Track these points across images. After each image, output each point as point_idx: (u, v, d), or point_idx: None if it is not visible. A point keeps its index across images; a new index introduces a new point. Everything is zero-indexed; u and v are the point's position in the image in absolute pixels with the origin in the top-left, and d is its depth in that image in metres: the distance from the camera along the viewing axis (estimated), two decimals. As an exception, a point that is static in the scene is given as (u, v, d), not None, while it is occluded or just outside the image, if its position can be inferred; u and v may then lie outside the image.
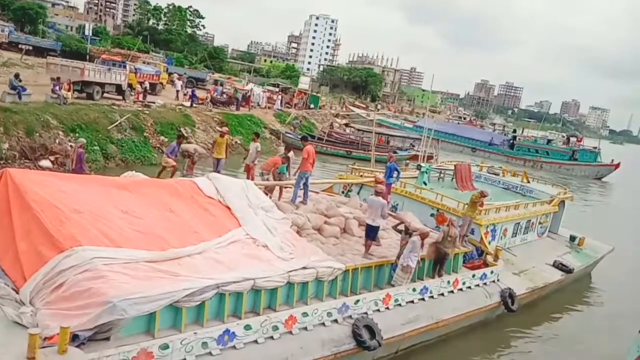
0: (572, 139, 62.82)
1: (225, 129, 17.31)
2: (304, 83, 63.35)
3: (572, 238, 17.81)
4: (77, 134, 20.61)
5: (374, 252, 10.98)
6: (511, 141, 61.58)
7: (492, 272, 12.57)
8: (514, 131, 74.17)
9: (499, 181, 19.95)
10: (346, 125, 52.36)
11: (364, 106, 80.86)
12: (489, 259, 13.13)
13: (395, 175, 14.51)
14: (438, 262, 11.43)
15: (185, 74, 49.14)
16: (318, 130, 43.10)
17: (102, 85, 27.44)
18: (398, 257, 10.36)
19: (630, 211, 35.11)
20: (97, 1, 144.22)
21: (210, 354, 7.11)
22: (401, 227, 11.02)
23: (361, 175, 16.52)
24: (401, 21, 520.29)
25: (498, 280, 12.71)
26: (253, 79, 64.72)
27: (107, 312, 6.23)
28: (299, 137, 35.00)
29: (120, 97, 28.80)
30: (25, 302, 6.67)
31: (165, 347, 6.65)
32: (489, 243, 13.77)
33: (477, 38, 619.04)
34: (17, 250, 7.13)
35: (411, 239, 10.34)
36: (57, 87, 23.17)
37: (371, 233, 10.87)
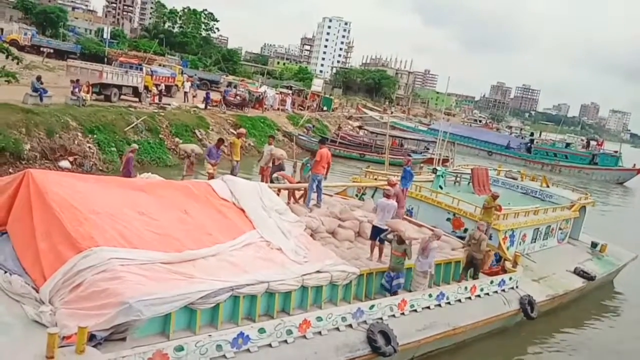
0: (592, 143, 61.89)
1: (241, 130, 17.22)
2: (317, 85, 63.26)
3: (594, 245, 17.41)
4: (95, 135, 20.89)
5: (388, 255, 10.84)
6: (528, 144, 60.53)
7: (510, 279, 12.35)
8: (532, 134, 73.29)
9: (518, 186, 19.61)
10: (359, 127, 52.18)
11: (379, 109, 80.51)
12: (508, 265, 12.91)
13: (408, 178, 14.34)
14: (470, 267, 11.75)
15: (195, 75, 49.33)
16: (331, 132, 43.02)
17: (119, 87, 27.84)
18: (391, 269, 9.86)
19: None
20: (115, 5, 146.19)
21: (224, 356, 7.08)
22: (391, 236, 10.11)
23: (375, 179, 16.42)
24: (415, 23, 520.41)
25: (517, 287, 12.47)
26: (266, 82, 64.92)
27: (124, 313, 6.28)
28: (312, 139, 35.19)
29: (137, 99, 29.09)
30: (45, 301, 6.76)
31: (180, 349, 6.63)
32: (508, 249, 13.53)
33: (492, 39, 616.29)
34: (37, 250, 7.21)
35: (431, 244, 10.20)
36: (76, 89, 23.53)
37: (376, 235, 10.69)
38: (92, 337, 6.13)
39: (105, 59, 47.39)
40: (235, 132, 29.57)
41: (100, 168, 19.99)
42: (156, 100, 30.75)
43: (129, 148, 14.36)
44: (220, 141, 15.48)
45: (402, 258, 9.71)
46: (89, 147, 20.21)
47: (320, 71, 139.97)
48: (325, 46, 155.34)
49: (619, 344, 13.01)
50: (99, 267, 6.78)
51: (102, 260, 6.83)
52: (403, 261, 9.76)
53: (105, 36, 58.97)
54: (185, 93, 36.99)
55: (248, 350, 7.36)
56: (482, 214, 12.95)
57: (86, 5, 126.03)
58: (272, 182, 14.03)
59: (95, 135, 20.89)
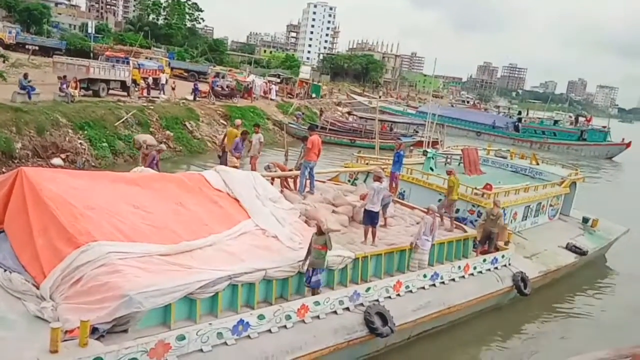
0: (581, 119, 62.31)
1: (238, 120, 16.88)
2: (305, 72, 63.18)
3: (585, 220, 17.66)
4: (86, 131, 20.80)
5: (383, 239, 11.02)
6: (516, 123, 60.98)
7: (503, 256, 12.57)
8: (519, 113, 73.55)
9: (507, 164, 19.83)
10: (348, 113, 52.11)
11: (371, 95, 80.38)
12: (500, 243, 13.12)
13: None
14: (487, 240, 12.46)
15: (169, 64, 47.65)
16: (320, 119, 43.03)
17: (107, 82, 27.65)
18: (310, 264, 8.70)
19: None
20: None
21: (225, 343, 7.21)
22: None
23: (367, 163, 16.54)
24: (399, 4, 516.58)
25: (509, 264, 12.70)
26: (254, 71, 64.56)
27: (124, 305, 6.39)
28: (302, 127, 35.18)
29: (125, 94, 28.92)
30: (45, 297, 6.84)
31: (181, 338, 6.75)
32: (499, 227, 13.73)
33: (481, 20, 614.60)
34: (35, 247, 7.28)
35: (425, 217, 10.44)
36: (64, 86, 23.36)
37: (371, 219, 10.74)
38: (94, 330, 6.24)
39: (91, 54, 46.86)
40: (227, 124, 29.62)
41: (93, 164, 19.95)
42: (145, 94, 30.56)
43: (155, 147, 14.08)
44: (245, 133, 14.85)
45: (322, 252, 8.57)
46: (80, 143, 20.13)
47: (308, 58, 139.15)
48: (312, 32, 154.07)
49: (611, 316, 13.30)
50: (97, 262, 6.87)
51: (100, 255, 6.92)
52: (324, 255, 8.62)
53: (90, 31, 58.16)
54: (162, 85, 34.80)
55: (248, 336, 7.50)
56: (447, 193, 13.22)
57: (69, 1, 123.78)
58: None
59: (86, 131, 20.80)
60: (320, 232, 8.67)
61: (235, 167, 13.79)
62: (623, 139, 53.22)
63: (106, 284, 6.61)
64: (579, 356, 3.97)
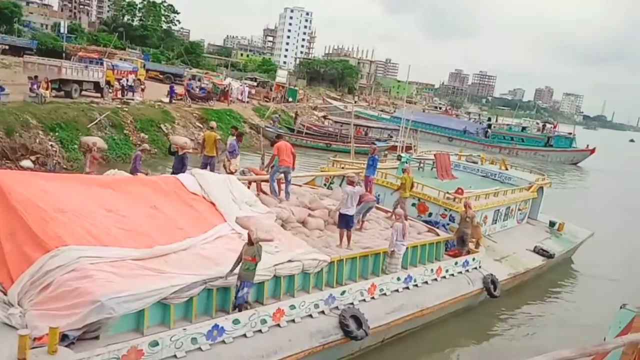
0: (548, 126, 64.00)
1: (212, 123, 16.63)
2: (282, 77, 63.19)
3: (552, 224, 18.13)
4: (57, 133, 20.38)
5: (358, 242, 11.12)
6: (485, 129, 62.34)
7: (474, 259, 12.82)
8: (489, 119, 75.14)
9: (478, 169, 20.30)
10: (324, 117, 52.34)
11: (339, 98, 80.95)
12: (470, 246, 13.38)
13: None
14: (460, 240, 12.86)
15: (144, 66, 46.19)
16: (296, 123, 43.09)
17: (80, 83, 27.17)
18: (239, 277, 7.89)
19: (606, 195, 35.79)
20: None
21: (200, 349, 7.15)
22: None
23: (343, 167, 16.66)
24: (375, 13, 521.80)
25: (480, 267, 12.96)
26: (230, 74, 64.23)
27: (96, 311, 6.26)
28: (279, 131, 35.15)
29: (99, 95, 28.43)
30: (13, 304, 6.67)
31: (155, 344, 6.66)
32: (470, 230, 14.00)
33: (451, 27, 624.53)
34: (3, 252, 7.10)
35: (395, 224, 10.62)
36: (35, 86, 22.86)
37: (346, 222, 10.77)
38: (64, 337, 6.10)
39: (64, 54, 45.90)
40: (203, 126, 29.37)
41: (64, 166, 19.53)
42: (119, 95, 30.09)
43: (139, 147, 13.90)
44: (240, 135, 14.44)
45: (252, 263, 7.82)
46: (51, 145, 19.71)
47: (284, 62, 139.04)
48: (288, 37, 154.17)
49: (578, 316, 13.70)
50: (68, 267, 6.72)
51: (71, 260, 6.77)
52: (254, 267, 7.86)
53: (62, 31, 56.88)
54: (131, 87, 32.77)
55: (223, 341, 7.45)
56: (400, 191, 13.79)
57: (41, 0, 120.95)
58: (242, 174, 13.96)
59: (57, 133, 20.38)
60: (250, 242, 7.87)
61: (233, 171, 13.68)
62: (587, 146, 54.79)
63: (77, 289, 6.47)
64: (543, 355, 4.10)
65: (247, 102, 43.73)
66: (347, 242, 10.86)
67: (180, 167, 13.05)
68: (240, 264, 7.87)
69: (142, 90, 33.78)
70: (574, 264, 18.14)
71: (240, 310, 7.89)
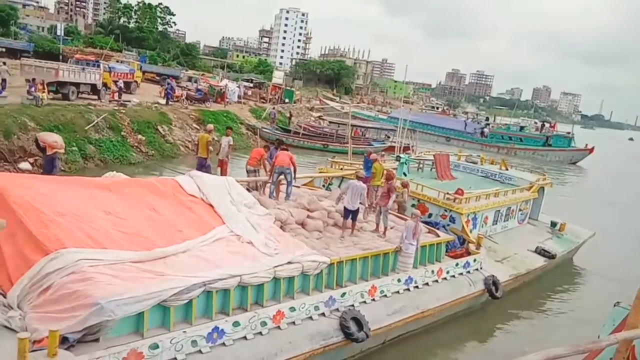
0: (546, 125, 64.05)
1: (210, 125, 16.73)
2: (278, 77, 63.01)
3: (553, 224, 18.07)
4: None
5: (358, 244, 11.07)
6: (483, 129, 62.20)
7: (475, 260, 12.77)
8: (487, 119, 75.15)
9: (478, 169, 20.22)
10: (320, 118, 52.32)
11: (335, 99, 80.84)
12: (471, 247, 13.36)
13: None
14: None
15: (141, 67, 45.43)
16: (294, 124, 43.05)
17: (77, 85, 27.12)
18: None
19: (606, 194, 35.62)
20: (67, 0, 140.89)
21: (200, 351, 7.11)
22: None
23: (341, 169, 16.62)
24: (372, 13, 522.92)
25: (481, 268, 12.91)
26: (227, 75, 64.15)
27: (95, 314, 6.21)
28: (276, 131, 35.16)
29: (96, 97, 28.35)
30: (13, 306, 6.62)
31: (155, 346, 6.63)
32: (471, 231, 13.99)
33: (449, 28, 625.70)
34: (2, 255, 7.04)
35: (407, 222, 10.79)
36: (32, 89, 22.78)
37: (348, 214, 11.38)
38: (64, 339, 6.06)
39: (61, 57, 45.76)
40: (200, 128, 29.31)
41: (62, 169, 19.39)
42: (116, 97, 30.00)
43: (52, 151, 12.11)
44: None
45: None
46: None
47: (280, 63, 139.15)
48: (284, 38, 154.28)
49: (579, 316, 13.61)
50: (67, 269, 6.67)
51: (70, 262, 6.72)
52: None
53: (59, 33, 56.90)
54: (120, 89, 31.87)
55: (223, 344, 7.41)
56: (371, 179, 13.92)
57: (37, 2, 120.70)
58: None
59: (54, 136, 20.28)
60: None
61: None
62: (586, 145, 54.70)
63: (76, 292, 6.42)
64: (536, 352, 4.08)
65: (238, 102, 43.48)
66: (352, 229, 11.34)
67: (50, 168, 12.10)
68: None
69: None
70: (575, 264, 18.09)
71: None
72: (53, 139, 12.65)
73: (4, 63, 28.99)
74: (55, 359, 5.73)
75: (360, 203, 11.66)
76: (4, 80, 26.24)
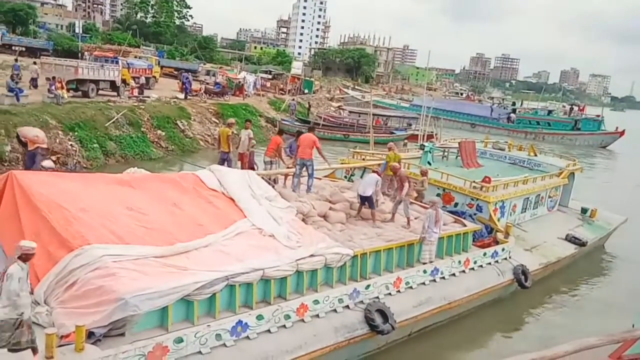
0: (575, 109, 62.33)
1: (232, 120, 16.67)
2: (297, 68, 62.61)
3: (584, 210, 17.56)
4: (76, 133, 20.56)
5: (381, 235, 10.89)
6: (509, 114, 60.71)
7: (503, 250, 12.48)
8: (513, 104, 73.50)
9: (505, 156, 19.67)
10: (339, 107, 51.91)
11: (352, 86, 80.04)
12: (499, 236, 13.00)
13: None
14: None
15: (159, 62, 45.79)
16: (314, 115, 42.82)
17: (96, 82, 27.38)
18: None
19: (639, 178, 34.36)
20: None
21: (224, 345, 7.10)
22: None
23: (363, 159, 16.40)
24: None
25: (510, 257, 12.61)
26: (245, 67, 64.10)
27: (120, 309, 6.26)
28: (295, 123, 35.03)
29: (115, 94, 28.61)
30: (40, 302, 6.70)
31: (179, 340, 6.64)
32: (499, 220, 13.65)
33: (473, 10, 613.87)
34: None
35: (428, 211, 10.63)
36: (53, 87, 23.05)
37: (363, 201, 11.69)
38: (90, 334, 6.12)
39: (80, 54, 46.32)
40: (219, 122, 29.37)
41: (85, 165, 19.69)
42: (135, 93, 30.22)
43: (34, 146, 11.73)
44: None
45: None
46: (71, 144, 19.86)
47: (299, 53, 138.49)
48: (302, 27, 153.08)
49: (612, 304, 13.21)
50: (92, 265, 6.73)
51: (94, 258, 6.77)
52: None
53: (77, 31, 57.49)
54: (142, 85, 31.94)
55: (247, 337, 7.39)
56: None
57: (55, 0, 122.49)
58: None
59: (76, 133, 20.54)
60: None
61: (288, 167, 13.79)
62: (617, 128, 53.16)
63: (101, 287, 6.47)
64: (570, 342, 3.90)
65: (256, 94, 43.37)
66: (372, 219, 11.67)
67: (30, 164, 11.74)
68: None
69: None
70: (606, 251, 17.58)
71: None
72: (33, 133, 12.38)
73: (35, 62, 29.57)
74: (82, 353, 5.83)
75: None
76: (34, 79, 26.75)
